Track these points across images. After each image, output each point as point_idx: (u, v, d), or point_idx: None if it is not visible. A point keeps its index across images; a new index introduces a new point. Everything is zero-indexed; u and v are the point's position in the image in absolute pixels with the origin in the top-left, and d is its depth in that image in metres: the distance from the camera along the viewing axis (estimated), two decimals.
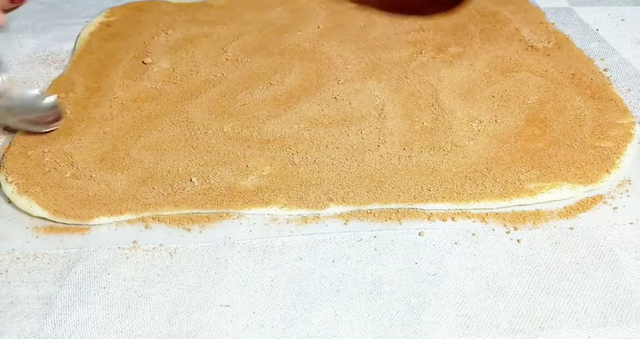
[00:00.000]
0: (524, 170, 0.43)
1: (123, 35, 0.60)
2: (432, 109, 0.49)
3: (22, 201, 0.42)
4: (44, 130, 0.47)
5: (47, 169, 0.44)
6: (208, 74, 0.54)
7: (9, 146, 0.46)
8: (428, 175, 0.43)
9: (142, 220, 0.41)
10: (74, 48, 0.59)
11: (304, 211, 0.41)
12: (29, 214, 0.41)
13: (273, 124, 0.48)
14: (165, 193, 0.42)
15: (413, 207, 0.41)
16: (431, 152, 0.45)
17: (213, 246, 0.39)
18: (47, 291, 0.37)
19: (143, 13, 0.65)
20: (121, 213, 0.41)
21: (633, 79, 0.52)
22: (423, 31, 0.59)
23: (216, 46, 0.58)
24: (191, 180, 0.43)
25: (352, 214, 0.41)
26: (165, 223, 0.41)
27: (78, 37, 0.61)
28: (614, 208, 0.40)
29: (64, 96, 0.51)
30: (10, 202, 0.42)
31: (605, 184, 0.42)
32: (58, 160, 0.45)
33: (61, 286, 0.37)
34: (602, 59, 0.55)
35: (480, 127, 0.47)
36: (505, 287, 0.36)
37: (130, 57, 0.57)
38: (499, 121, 0.48)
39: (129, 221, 0.41)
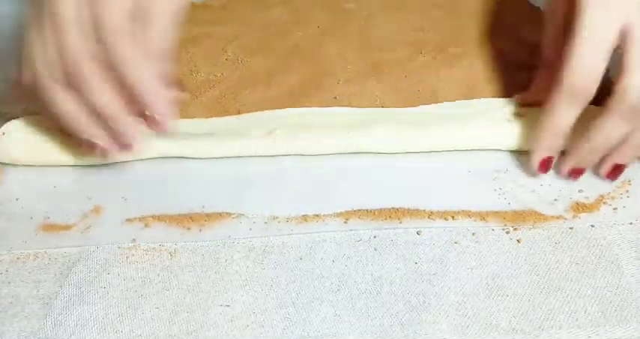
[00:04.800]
0: None
1: None
2: None
3: None
4: None
5: None
6: (208, 74, 0.54)
7: None
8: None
9: (142, 219, 0.41)
10: None
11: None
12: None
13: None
14: None
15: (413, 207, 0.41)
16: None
17: (213, 246, 0.39)
18: (47, 291, 0.37)
19: None
20: None
21: None
22: (423, 31, 0.59)
23: (216, 46, 0.58)
24: None
25: (352, 212, 0.41)
26: (165, 221, 0.41)
27: None
28: (614, 208, 0.40)
29: None
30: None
31: (606, 184, 0.42)
32: None
33: (61, 286, 0.37)
34: None
35: None
36: (505, 287, 0.36)
37: None
38: None
39: (128, 220, 0.41)
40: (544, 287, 0.36)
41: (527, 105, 0.46)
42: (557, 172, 0.42)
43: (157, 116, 0.39)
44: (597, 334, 0.33)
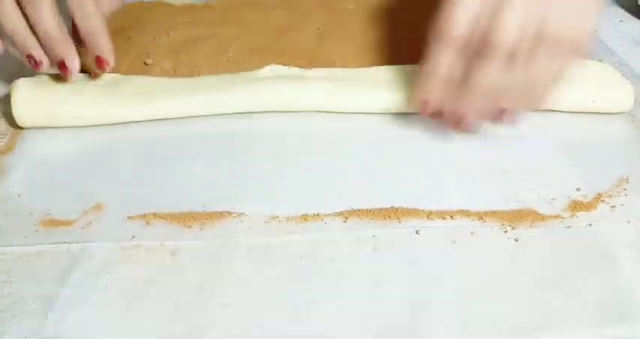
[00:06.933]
0: None
1: (123, 36, 0.60)
2: None
3: None
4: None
5: None
6: (209, 75, 0.54)
7: None
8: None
9: (143, 217, 0.41)
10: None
11: None
12: None
13: None
14: None
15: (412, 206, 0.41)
16: None
17: (214, 245, 0.39)
18: (48, 290, 0.37)
19: (144, 13, 0.65)
20: None
21: (631, 80, 0.52)
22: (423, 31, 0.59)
23: (217, 47, 0.58)
24: None
25: (352, 212, 0.41)
26: (166, 220, 0.41)
27: None
28: (612, 207, 0.41)
29: None
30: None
31: (603, 183, 0.42)
32: None
33: (62, 286, 0.37)
34: (600, 60, 0.55)
35: None
36: (504, 287, 0.36)
37: (131, 58, 0.57)
38: None
39: (129, 218, 0.41)
40: (542, 287, 0.36)
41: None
42: None
43: (102, 56, 0.48)
44: (596, 334, 0.33)
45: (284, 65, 0.52)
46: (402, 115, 0.49)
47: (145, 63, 0.56)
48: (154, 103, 0.48)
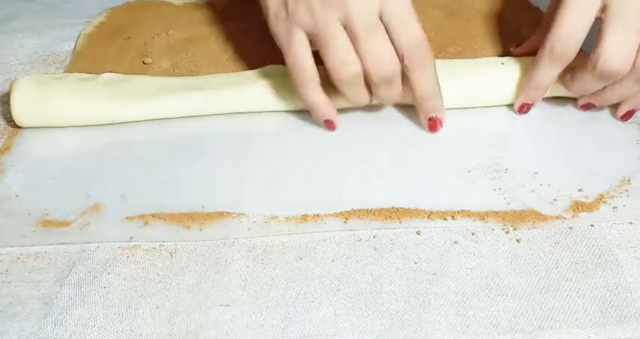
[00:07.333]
0: None
1: (123, 35, 0.60)
2: None
3: None
4: None
5: None
6: (209, 74, 0.54)
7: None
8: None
9: (141, 217, 0.41)
10: (74, 48, 0.59)
11: None
12: None
13: None
14: None
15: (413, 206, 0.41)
16: None
17: (213, 245, 0.39)
18: (47, 291, 0.37)
19: (143, 13, 0.65)
20: None
21: None
22: (423, 31, 0.59)
23: (216, 46, 0.58)
24: None
25: (352, 212, 0.41)
26: (165, 220, 0.41)
27: (78, 37, 0.61)
28: (614, 208, 0.40)
29: None
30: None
31: (605, 184, 0.42)
32: None
33: (61, 286, 0.37)
34: None
35: None
36: (504, 287, 0.36)
37: (130, 57, 0.57)
38: None
39: (128, 218, 0.41)
40: (544, 287, 0.36)
41: (520, 56, 0.50)
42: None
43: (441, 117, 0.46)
44: (597, 334, 0.33)
45: (284, 64, 0.51)
46: (401, 115, 0.49)
47: (143, 62, 0.56)
48: (152, 103, 0.48)
